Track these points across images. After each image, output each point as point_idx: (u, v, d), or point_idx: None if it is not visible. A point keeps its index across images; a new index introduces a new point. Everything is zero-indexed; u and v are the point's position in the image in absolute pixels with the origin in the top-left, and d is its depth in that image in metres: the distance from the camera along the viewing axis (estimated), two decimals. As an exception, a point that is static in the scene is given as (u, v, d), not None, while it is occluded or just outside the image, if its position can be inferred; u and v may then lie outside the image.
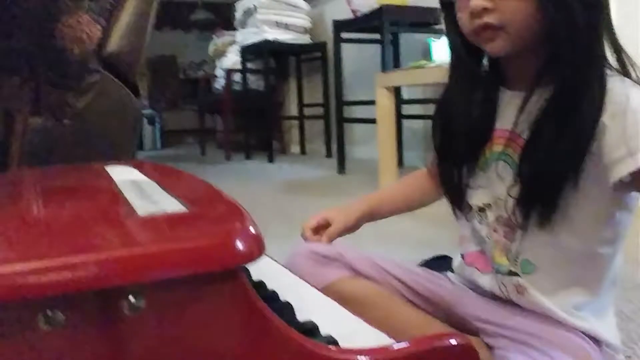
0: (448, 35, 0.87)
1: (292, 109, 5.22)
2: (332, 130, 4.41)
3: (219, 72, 5.02)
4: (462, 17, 0.80)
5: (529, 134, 0.77)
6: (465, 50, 0.84)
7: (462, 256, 0.94)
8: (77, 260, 0.36)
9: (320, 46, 4.61)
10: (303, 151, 5.14)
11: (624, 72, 0.76)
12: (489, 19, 0.76)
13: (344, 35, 3.56)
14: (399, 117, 3.51)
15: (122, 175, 0.77)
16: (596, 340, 0.79)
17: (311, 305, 0.64)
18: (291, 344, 0.42)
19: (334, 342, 0.52)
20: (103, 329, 0.37)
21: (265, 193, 3.10)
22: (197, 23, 7.02)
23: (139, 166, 0.86)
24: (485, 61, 0.86)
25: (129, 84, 2.44)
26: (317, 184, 3.38)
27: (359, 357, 0.45)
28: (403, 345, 0.48)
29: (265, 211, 2.53)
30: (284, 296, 0.64)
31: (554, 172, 0.74)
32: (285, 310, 0.58)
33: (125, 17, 2.36)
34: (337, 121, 3.56)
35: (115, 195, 0.59)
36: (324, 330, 0.55)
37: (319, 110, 4.73)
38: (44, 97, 0.85)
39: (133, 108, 2.46)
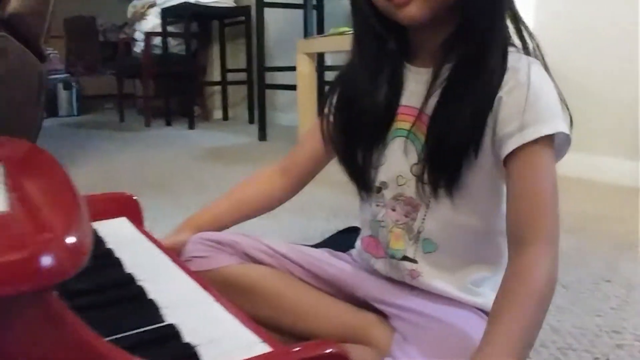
0: (354, 4, 0.82)
1: (216, 74, 5.10)
2: (255, 97, 4.33)
3: (139, 36, 4.82)
4: None
5: (432, 109, 0.76)
6: (373, 21, 0.80)
7: (361, 240, 0.93)
8: None
9: (244, 10, 4.49)
10: (226, 117, 5.04)
11: (523, 44, 0.77)
12: None
13: (267, -1, 3.46)
14: (322, 83, 3.47)
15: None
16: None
17: (180, 297, 0.61)
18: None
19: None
20: None
21: (183, 160, 3.03)
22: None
23: (3, 145, 0.77)
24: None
25: (33, 48, 2.31)
26: (237, 151, 3.32)
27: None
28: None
29: (180, 179, 2.48)
30: (150, 286, 0.60)
31: (455, 147, 0.74)
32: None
33: (26, -26, 2.21)
34: (258, 87, 3.50)
35: None
36: (186, 329, 0.51)
37: (243, 76, 4.64)
38: None
39: (37, 72, 2.32)
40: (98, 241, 0.75)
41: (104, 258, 0.70)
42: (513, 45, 0.77)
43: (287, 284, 0.90)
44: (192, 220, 1.00)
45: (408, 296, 0.83)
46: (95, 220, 0.83)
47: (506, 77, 0.73)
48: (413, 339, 0.75)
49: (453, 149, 0.74)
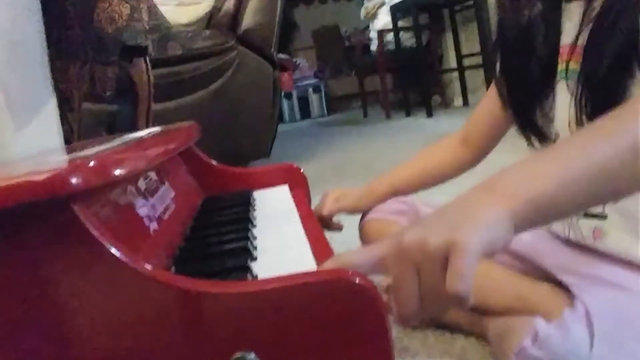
0: None
1: (452, 62, 5.12)
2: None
3: (373, 35, 5.07)
4: None
5: (587, 38, 0.69)
6: None
7: None
8: None
9: (471, -7, 4.46)
10: (466, 103, 5.02)
11: None
12: None
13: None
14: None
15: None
16: None
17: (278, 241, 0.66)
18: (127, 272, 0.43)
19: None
20: None
21: (412, 147, 3.09)
22: (357, -11, 7.13)
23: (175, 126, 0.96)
24: None
25: (267, 56, 2.62)
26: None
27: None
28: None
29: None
30: (258, 230, 0.69)
31: (612, 67, 0.66)
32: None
33: (255, -1, 2.55)
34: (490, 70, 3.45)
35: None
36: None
37: (479, 60, 4.60)
38: (95, 75, 1.00)
39: (271, 78, 2.63)
40: (247, 202, 0.86)
41: (242, 212, 0.79)
42: None
43: None
44: (373, 189, 1.03)
45: (594, 263, 0.74)
46: (264, 187, 0.97)
47: None
48: (597, 314, 0.64)
49: (610, 70, 0.66)
